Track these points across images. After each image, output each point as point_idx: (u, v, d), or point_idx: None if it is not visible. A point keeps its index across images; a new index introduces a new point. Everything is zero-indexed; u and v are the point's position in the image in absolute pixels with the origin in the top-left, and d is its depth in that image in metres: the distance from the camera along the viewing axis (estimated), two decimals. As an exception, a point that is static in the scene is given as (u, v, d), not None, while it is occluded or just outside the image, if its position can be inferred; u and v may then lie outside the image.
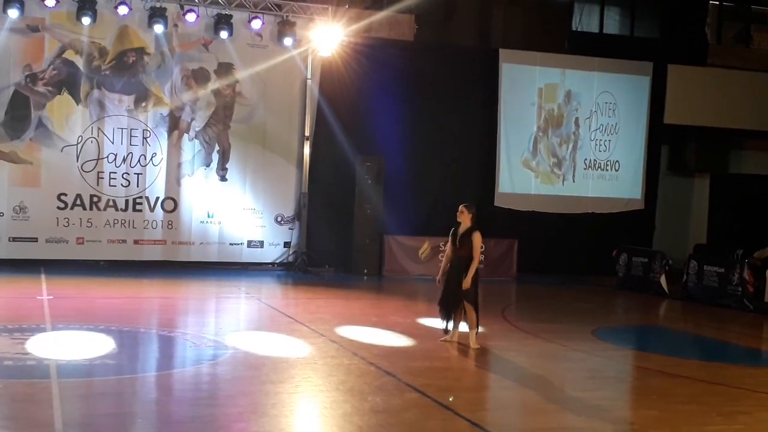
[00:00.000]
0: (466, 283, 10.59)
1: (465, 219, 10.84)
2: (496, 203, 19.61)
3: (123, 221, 17.63)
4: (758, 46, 22.87)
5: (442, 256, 18.45)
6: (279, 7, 18.06)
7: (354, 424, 7.28)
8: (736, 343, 13.33)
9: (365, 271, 18.39)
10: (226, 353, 10.02)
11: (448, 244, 10.97)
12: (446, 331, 10.97)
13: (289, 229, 18.72)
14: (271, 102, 18.48)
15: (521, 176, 20.41)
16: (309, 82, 18.62)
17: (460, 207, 10.96)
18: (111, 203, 17.57)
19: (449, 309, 10.91)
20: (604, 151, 21.03)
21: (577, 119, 20.83)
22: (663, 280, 17.43)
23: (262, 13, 17.99)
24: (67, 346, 9.99)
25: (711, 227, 22.79)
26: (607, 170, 21.08)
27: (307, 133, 18.63)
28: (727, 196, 22.56)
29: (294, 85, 18.67)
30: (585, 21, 21.77)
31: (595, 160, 20.97)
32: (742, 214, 22.00)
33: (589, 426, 7.77)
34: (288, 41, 18.02)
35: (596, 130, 20.96)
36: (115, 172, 17.59)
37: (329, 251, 18.74)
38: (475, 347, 10.66)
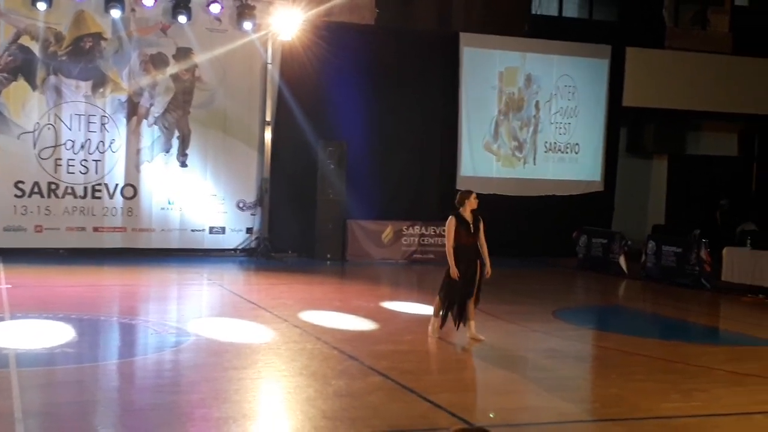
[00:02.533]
0: (489, 269, 10.32)
1: (474, 206, 10.47)
2: (458, 186, 19.57)
3: (82, 209, 17.43)
4: (715, 28, 23.09)
5: (405, 240, 18.95)
6: (238, -9, 17.91)
7: (317, 408, 7.31)
8: (694, 321, 13.54)
9: (328, 255, 18.38)
10: (188, 340, 9.98)
11: (454, 233, 10.20)
12: (455, 323, 10.29)
13: (251, 214, 18.64)
14: (231, 87, 18.33)
15: (483, 159, 20.50)
16: (269, 66, 18.49)
17: (475, 193, 10.62)
18: (69, 190, 17.36)
19: (466, 301, 10.26)
20: (564, 134, 21.17)
21: (537, 102, 20.93)
22: (622, 260, 17.67)
23: (221, -3, 17.84)
24: (27, 335, 9.90)
25: (669, 208, 23.10)
26: (567, 153, 21.24)
27: (268, 118, 18.53)
28: (684, 177, 22.88)
29: (254, 69, 18.54)
30: (544, 4, 21.84)
31: (555, 142, 21.11)
32: (699, 194, 22.35)
33: (550, 405, 7.88)
34: (247, 25, 17.88)
35: (556, 113, 21.09)
36: (74, 159, 17.38)
37: (292, 236, 18.73)
38: (479, 338, 10.34)
